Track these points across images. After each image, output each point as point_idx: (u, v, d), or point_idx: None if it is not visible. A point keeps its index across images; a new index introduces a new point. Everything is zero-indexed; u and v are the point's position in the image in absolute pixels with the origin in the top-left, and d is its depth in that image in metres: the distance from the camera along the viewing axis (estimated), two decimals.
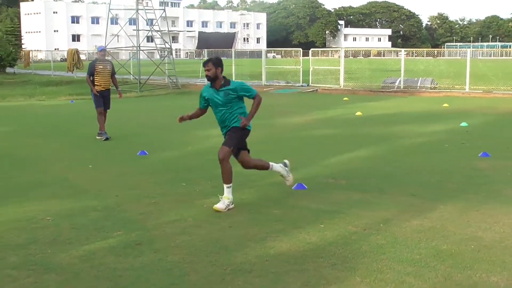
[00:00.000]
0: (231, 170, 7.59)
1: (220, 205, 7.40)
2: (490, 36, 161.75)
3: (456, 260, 5.52)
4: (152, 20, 33.61)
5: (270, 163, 8.13)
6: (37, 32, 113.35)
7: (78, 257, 5.69)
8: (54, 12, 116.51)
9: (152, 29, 33.64)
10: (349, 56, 77.52)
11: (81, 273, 5.26)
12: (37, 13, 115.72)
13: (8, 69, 45.25)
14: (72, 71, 40.13)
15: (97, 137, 13.62)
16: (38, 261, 5.60)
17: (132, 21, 34.65)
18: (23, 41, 72.16)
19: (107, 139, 13.41)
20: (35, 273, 5.28)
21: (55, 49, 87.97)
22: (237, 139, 7.71)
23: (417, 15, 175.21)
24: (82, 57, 46.91)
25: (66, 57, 46.20)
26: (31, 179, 9.63)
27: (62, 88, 31.82)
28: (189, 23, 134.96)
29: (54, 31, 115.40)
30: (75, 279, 5.13)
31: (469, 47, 63.42)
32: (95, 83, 13.58)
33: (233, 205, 7.49)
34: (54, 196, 8.38)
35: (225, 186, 7.54)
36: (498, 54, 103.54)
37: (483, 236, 6.23)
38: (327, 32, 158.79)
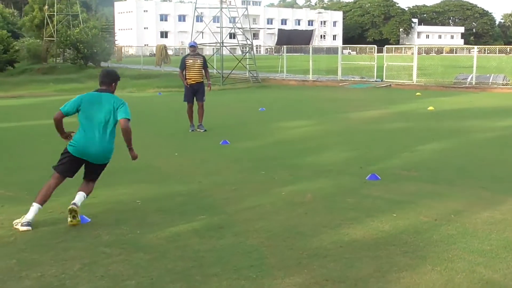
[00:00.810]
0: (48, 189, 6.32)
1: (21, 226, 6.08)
2: None
3: None
4: (234, 18, 33.85)
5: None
6: (128, 29, 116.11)
7: (165, 238, 5.82)
8: (144, 11, 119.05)
9: (235, 26, 33.90)
10: (422, 53, 75.60)
11: (167, 253, 5.37)
12: (129, 12, 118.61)
13: (103, 63, 46.69)
14: (160, 66, 40.97)
15: (196, 129, 13.64)
16: (128, 240, 5.76)
17: (216, 19, 35.00)
18: (116, 38, 74.08)
19: (193, 130, 13.60)
20: (126, 251, 5.44)
21: (145, 45, 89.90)
22: None
23: (490, 13, 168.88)
24: (169, 52, 47.81)
25: (154, 52, 47.21)
26: (121, 165, 9.81)
27: (151, 81, 32.50)
28: (269, 21, 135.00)
29: (144, 28, 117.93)
30: (162, 258, 5.24)
31: None
32: (186, 77, 13.72)
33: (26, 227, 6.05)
34: (142, 181, 8.59)
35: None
36: None
37: None
38: (400, 29, 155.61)
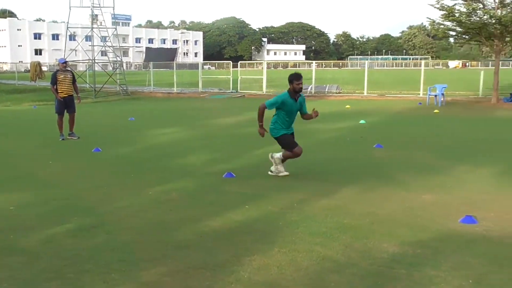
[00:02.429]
0: None
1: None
2: (384, 50, 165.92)
3: (355, 231, 5.64)
4: (105, 37, 32.85)
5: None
6: (2, 46, 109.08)
7: (39, 241, 5.49)
8: (18, 30, 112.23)
9: (105, 45, 32.89)
10: (271, 68, 77.96)
11: (42, 254, 5.07)
12: (2, 30, 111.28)
13: None
14: (35, 81, 38.68)
15: (68, 137, 13.19)
16: (2, 245, 5.35)
17: (88, 38, 33.73)
18: None
19: (63, 139, 13.03)
20: None
21: (20, 61, 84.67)
22: None
23: (326, 33, 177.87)
24: (44, 68, 45.32)
25: (29, 68, 44.54)
26: None
27: (26, 95, 30.66)
28: (138, 40, 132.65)
29: (18, 46, 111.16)
30: (36, 260, 4.94)
31: (367, 60, 64.85)
32: (58, 91, 13.17)
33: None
34: (19, 188, 8.07)
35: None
36: (390, 65, 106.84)
37: (377, 212, 6.38)
38: (253, 47, 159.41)
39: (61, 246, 5.30)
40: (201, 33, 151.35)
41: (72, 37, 35.18)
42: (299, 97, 8.21)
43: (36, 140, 13.62)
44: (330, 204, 6.76)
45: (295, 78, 8.04)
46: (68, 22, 33.17)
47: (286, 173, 8.48)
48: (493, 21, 21.94)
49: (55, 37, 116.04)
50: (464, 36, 24.49)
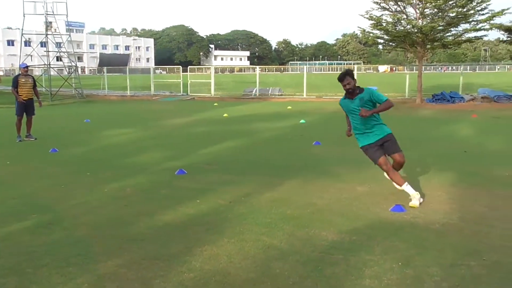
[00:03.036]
0: None
1: (415, 202, 6.27)
2: (321, 56, 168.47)
3: (297, 221, 5.69)
4: (60, 43, 31.86)
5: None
6: None
7: None
8: None
9: (60, 50, 31.91)
10: (218, 72, 77.69)
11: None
12: None
13: None
14: None
15: (25, 139, 12.80)
16: None
17: (43, 44, 32.61)
18: None
19: (20, 141, 12.57)
20: None
21: None
22: (397, 142, 6.73)
23: (268, 40, 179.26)
24: (0, 73, 43.58)
25: None
26: None
27: None
28: (91, 46, 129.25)
29: None
30: None
31: (306, 65, 65.70)
32: (19, 94, 12.76)
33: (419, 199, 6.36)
34: None
35: (405, 186, 6.41)
36: (326, 70, 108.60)
37: (316, 202, 6.46)
38: (201, 53, 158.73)
39: (18, 243, 5.10)
40: (152, 40, 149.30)
41: (27, 43, 33.85)
42: (357, 94, 6.42)
43: None
44: (274, 197, 6.79)
45: (340, 80, 6.43)
46: (22, 29, 32.00)
47: (416, 195, 6.39)
48: (415, 30, 22.66)
49: (10, 43, 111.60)
50: (391, 43, 25.16)
